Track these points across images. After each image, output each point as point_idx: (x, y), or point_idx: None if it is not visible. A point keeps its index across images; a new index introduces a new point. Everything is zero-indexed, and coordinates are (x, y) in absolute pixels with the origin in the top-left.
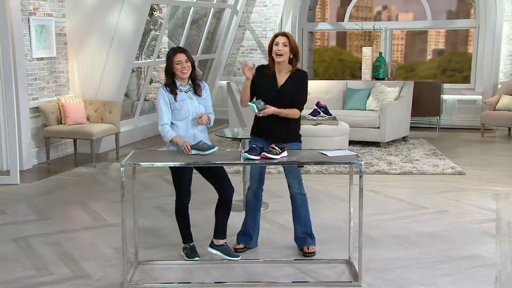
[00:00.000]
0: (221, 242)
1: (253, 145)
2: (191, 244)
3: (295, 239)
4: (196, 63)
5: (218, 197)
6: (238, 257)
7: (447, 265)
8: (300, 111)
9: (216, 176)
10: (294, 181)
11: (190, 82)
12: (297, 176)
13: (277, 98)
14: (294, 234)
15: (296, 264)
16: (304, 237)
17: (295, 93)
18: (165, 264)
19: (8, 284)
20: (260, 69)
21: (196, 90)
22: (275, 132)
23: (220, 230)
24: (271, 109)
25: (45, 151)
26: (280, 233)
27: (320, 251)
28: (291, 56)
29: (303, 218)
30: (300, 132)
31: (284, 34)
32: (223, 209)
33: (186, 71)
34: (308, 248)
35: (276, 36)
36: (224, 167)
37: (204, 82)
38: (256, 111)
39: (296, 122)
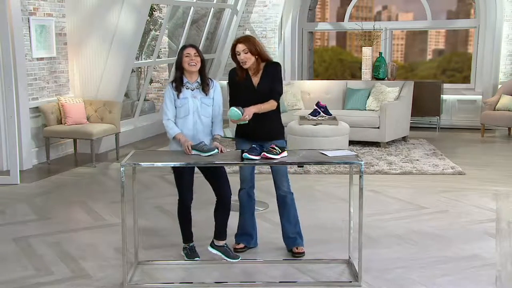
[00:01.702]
0: (221, 243)
1: (253, 145)
2: (191, 244)
3: (285, 239)
4: None
5: (216, 199)
6: (238, 258)
7: (447, 265)
8: (277, 102)
9: (216, 177)
10: (283, 180)
11: (198, 80)
12: (285, 175)
13: (256, 97)
14: (283, 234)
15: (296, 264)
16: (294, 237)
17: (271, 86)
18: (165, 264)
19: (8, 284)
20: (233, 72)
21: (204, 88)
22: (258, 132)
23: (220, 231)
24: (251, 110)
25: (45, 151)
26: (280, 233)
27: (320, 251)
28: (256, 57)
29: (293, 218)
30: (283, 129)
31: (242, 41)
32: (221, 211)
33: (194, 64)
34: (297, 249)
35: (234, 45)
36: (224, 167)
37: (214, 80)
38: (240, 116)
39: (278, 119)
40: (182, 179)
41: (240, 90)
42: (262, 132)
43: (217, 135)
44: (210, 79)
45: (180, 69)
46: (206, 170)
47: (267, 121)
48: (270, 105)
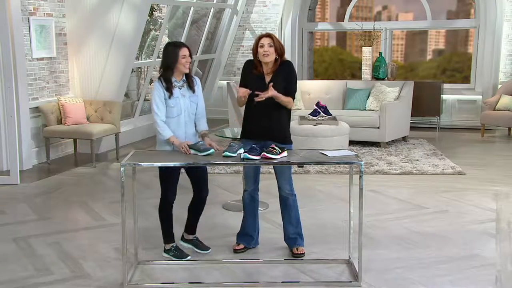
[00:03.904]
0: (191, 237)
1: (253, 145)
2: (175, 245)
3: (286, 240)
4: (196, 63)
5: (193, 196)
6: (209, 250)
7: (447, 265)
8: (293, 100)
9: (199, 177)
10: (285, 183)
11: (184, 77)
12: (288, 177)
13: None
14: (284, 235)
15: (296, 264)
16: (295, 237)
17: (285, 84)
18: (165, 264)
19: (8, 284)
20: (249, 64)
21: (190, 84)
22: (265, 133)
23: (191, 226)
24: (270, 93)
25: (45, 151)
26: (280, 233)
27: (320, 251)
28: (277, 57)
29: (294, 219)
30: (291, 136)
31: (268, 35)
32: (197, 209)
33: (188, 65)
34: (297, 249)
35: (260, 38)
36: (224, 167)
37: (196, 77)
38: (234, 155)
39: (286, 123)
40: (169, 177)
41: (252, 84)
42: (270, 134)
43: (204, 131)
44: (193, 76)
45: (171, 69)
46: (190, 169)
47: (276, 123)
48: (288, 100)
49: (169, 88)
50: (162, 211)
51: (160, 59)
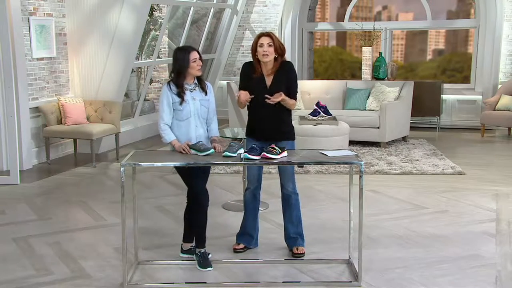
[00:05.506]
0: (189, 246)
1: (253, 145)
2: (203, 250)
3: (286, 239)
4: None
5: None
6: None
7: (447, 265)
8: (295, 101)
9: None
10: (288, 181)
11: (195, 80)
12: (291, 175)
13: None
14: (284, 234)
15: (296, 264)
16: (295, 237)
17: (287, 85)
18: (165, 264)
19: (8, 284)
20: (247, 67)
21: (203, 87)
22: (268, 131)
23: (189, 234)
24: (280, 97)
25: (45, 151)
26: (280, 233)
27: (320, 251)
28: (277, 56)
29: (295, 218)
30: (294, 131)
31: (268, 35)
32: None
33: (200, 68)
34: (297, 249)
35: (259, 37)
36: (224, 167)
37: (208, 83)
38: (234, 155)
39: (289, 120)
40: (195, 178)
41: (252, 87)
42: (274, 132)
43: (214, 137)
44: (205, 81)
45: (183, 74)
46: (191, 169)
47: (278, 121)
48: (293, 102)
49: (180, 94)
50: (199, 214)
51: (160, 59)
